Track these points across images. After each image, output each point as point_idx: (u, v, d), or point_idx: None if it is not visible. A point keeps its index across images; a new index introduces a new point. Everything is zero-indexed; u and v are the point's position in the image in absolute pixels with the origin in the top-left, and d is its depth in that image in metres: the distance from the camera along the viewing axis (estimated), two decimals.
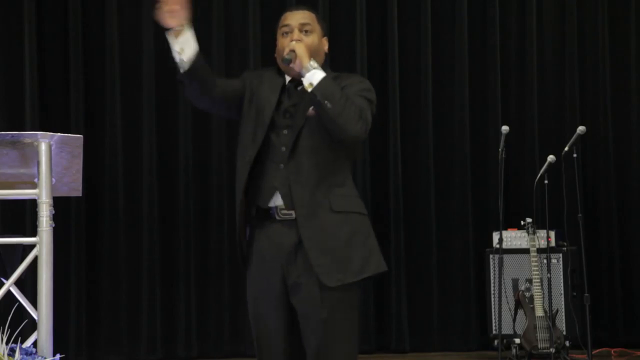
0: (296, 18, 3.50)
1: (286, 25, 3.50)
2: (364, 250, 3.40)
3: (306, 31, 3.48)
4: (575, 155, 6.47)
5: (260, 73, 3.61)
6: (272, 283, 3.40)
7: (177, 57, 3.36)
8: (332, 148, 3.37)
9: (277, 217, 3.39)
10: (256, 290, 3.46)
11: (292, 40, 3.43)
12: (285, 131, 3.41)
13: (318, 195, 3.35)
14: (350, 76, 3.54)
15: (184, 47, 3.33)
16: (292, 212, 3.37)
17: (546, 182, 6.60)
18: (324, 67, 3.46)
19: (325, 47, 3.57)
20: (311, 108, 3.35)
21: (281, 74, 3.55)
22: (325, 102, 3.27)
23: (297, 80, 3.44)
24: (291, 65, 3.38)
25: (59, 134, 3.88)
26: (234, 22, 7.59)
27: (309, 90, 3.31)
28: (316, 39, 3.50)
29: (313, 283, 3.34)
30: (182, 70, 3.37)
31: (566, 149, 6.53)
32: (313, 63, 3.35)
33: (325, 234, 3.33)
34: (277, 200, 3.40)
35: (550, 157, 6.62)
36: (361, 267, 3.38)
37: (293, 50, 3.37)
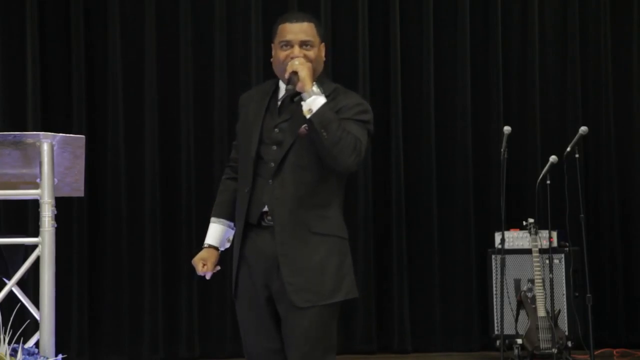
0: (296, 33, 3.41)
1: (286, 41, 3.41)
2: (337, 274, 3.37)
3: (307, 46, 3.41)
4: (577, 155, 6.45)
5: (247, 104, 3.55)
6: (257, 288, 3.41)
7: None
8: (320, 167, 3.34)
9: (263, 223, 3.41)
10: (242, 293, 3.47)
11: (292, 57, 3.36)
12: (274, 147, 3.39)
13: (298, 214, 3.34)
14: (348, 95, 3.47)
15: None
16: None
17: (548, 182, 6.59)
18: (322, 76, 3.46)
19: (324, 53, 3.49)
20: (303, 126, 3.33)
21: (275, 85, 3.49)
22: (322, 130, 3.25)
23: (294, 93, 3.36)
24: (292, 85, 3.32)
25: (61, 134, 3.88)
26: (235, 21, 7.58)
27: (307, 116, 3.28)
28: (316, 51, 3.43)
29: None
30: None
31: (568, 149, 6.52)
32: (315, 88, 3.32)
33: (300, 255, 3.33)
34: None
35: (553, 158, 6.61)
36: (332, 291, 3.36)
37: (295, 72, 3.32)
